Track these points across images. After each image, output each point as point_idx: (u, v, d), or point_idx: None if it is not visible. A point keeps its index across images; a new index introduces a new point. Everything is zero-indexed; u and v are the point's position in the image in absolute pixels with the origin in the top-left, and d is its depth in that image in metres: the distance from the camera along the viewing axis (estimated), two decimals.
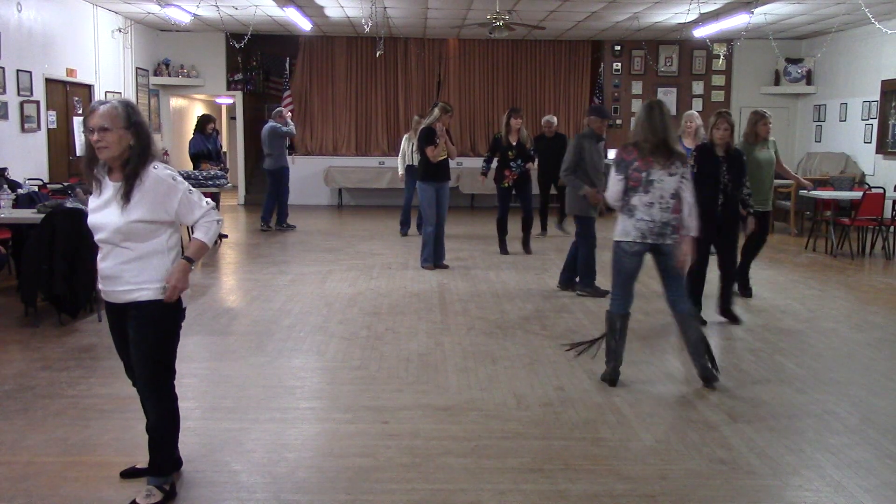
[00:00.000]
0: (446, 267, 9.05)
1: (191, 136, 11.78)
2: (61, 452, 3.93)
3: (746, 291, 7.75)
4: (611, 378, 5.07)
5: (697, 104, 16.04)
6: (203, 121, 11.42)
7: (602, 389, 4.98)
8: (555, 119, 11.46)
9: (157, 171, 3.27)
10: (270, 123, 12.06)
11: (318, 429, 4.34)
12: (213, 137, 11.39)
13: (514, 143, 9.73)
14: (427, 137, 8.80)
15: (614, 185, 5.00)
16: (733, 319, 6.72)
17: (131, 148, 3.23)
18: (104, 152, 3.21)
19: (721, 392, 5.01)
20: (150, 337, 3.33)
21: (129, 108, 3.25)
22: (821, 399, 4.87)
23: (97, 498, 3.47)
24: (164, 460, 3.47)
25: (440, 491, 3.58)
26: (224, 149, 13.20)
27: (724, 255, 6.68)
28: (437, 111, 8.90)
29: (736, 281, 7.47)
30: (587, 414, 4.55)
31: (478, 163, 15.60)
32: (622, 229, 5.00)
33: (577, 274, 7.93)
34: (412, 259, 9.55)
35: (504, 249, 10.09)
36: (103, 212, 3.27)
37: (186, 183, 3.35)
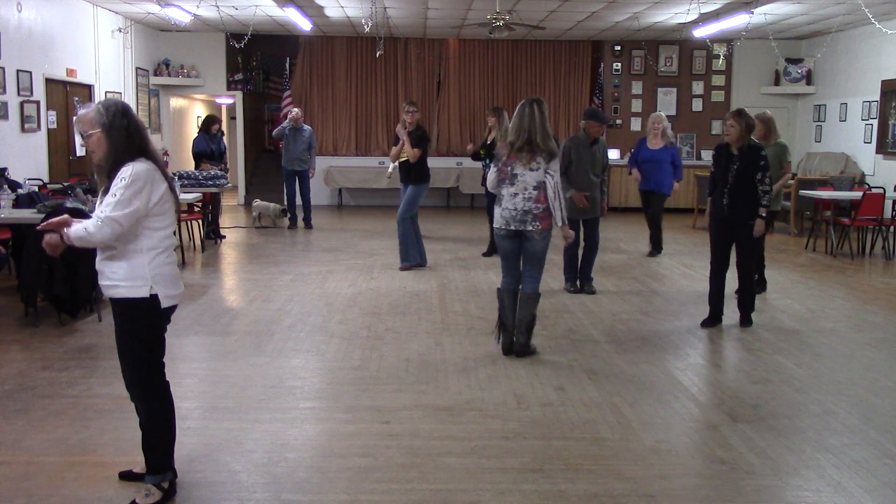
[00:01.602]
0: (417, 266, 9.04)
1: (194, 135, 11.84)
2: (61, 452, 3.93)
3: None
4: (505, 347, 5.69)
5: (697, 104, 16.06)
6: (208, 121, 11.50)
7: (602, 389, 4.98)
8: None
9: (125, 167, 3.24)
10: None
11: (318, 429, 4.34)
12: (217, 138, 11.42)
13: (488, 143, 9.57)
14: (395, 138, 8.89)
15: (490, 175, 5.65)
16: (745, 320, 6.61)
17: (107, 148, 3.29)
18: (94, 155, 3.34)
19: (721, 392, 5.01)
20: (126, 334, 3.38)
21: (101, 110, 3.29)
22: (821, 399, 4.88)
23: (97, 498, 3.47)
24: (158, 458, 3.46)
25: (440, 491, 3.58)
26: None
27: (738, 256, 6.54)
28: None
29: None
30: (587, 414, 4.55)
31: (477, 164, 15.60)
32: (495, 217, 5.64)
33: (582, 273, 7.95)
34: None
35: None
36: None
37: (125, 191, 3.19)
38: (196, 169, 10.84)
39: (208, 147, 11.22)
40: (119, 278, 3.31)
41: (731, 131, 6.34)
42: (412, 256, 9.03)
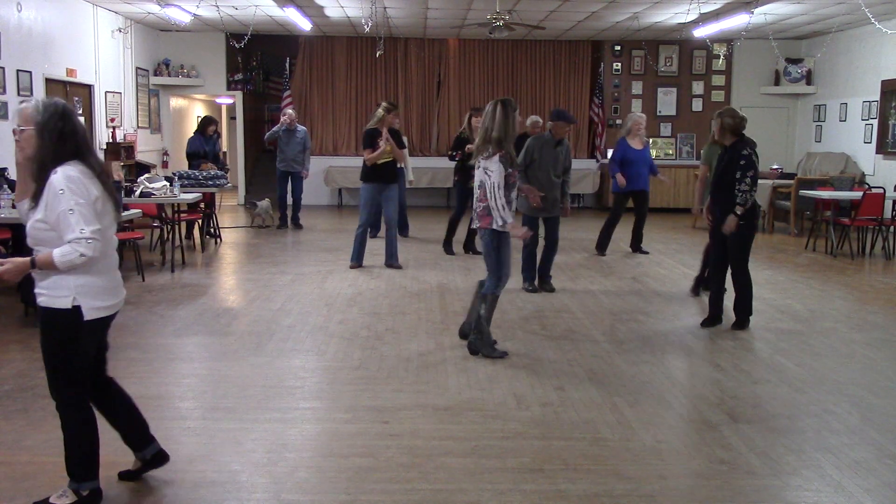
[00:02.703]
0: (399, 267, 8.98)
1: (190, 135, 11.87)
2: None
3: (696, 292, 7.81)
4: (461, 332, 5.97)
5: (697, 104, 16.06)
6: (204, 122, 11.54)
7: (602, 389, 4.98)
8: (540, 119, 11.33)
9: (55, 175, 3.11)
10: None
11: (318, 429, 4.34)
12: (213, 140, 11.43)
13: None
14: (366, 139, 8.76)
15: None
16: (736, 324, 6.54)
17: (36, 148, 3.15)
18: (22, 152, 3.19)
19: (721, 392, 5.01)
20: (45, 342, 3.28)
21: (39, 108, 3.15)
22: (821, 399, 4.88)
23: None
24: (73, 465, 3.40)
25: (440, 491, 3.58)
26: (224, 149, 13.18)
27: (713, 253, 6.55)
28: (380, 111, 8.78)
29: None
30: (587, 414, 4.55)
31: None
32: None
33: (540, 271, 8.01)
34: (412, 260, 9.56)
35: (449, 250, 10.02)
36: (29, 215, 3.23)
37: (74, 201, 3.08)
38: (191, 168, 10.87)
39: (202, 148, 11.25)
40: (45, 286, 3.20)
41: (716, 131, 6.47)
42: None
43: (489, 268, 5.64)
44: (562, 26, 14.07)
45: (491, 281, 5.63)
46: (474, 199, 5.66)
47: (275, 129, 12.47)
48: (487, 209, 5.49)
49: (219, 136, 12.02)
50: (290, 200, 12.56)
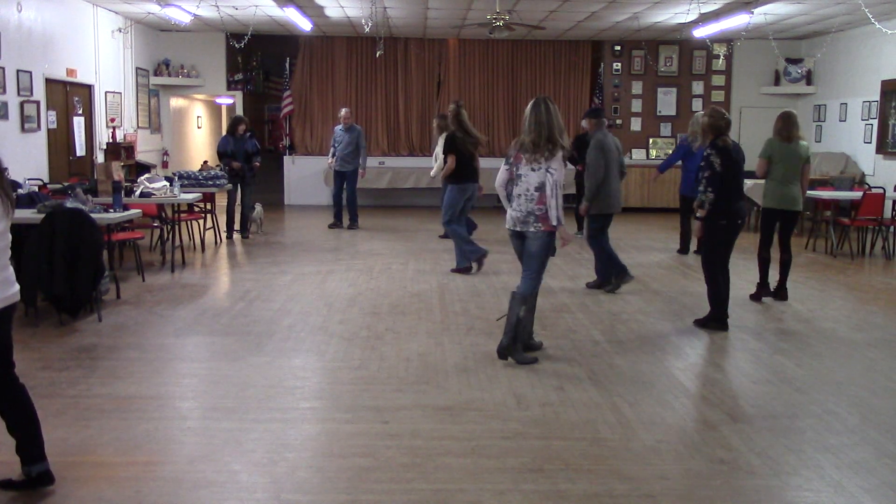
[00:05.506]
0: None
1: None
2: (61, 452, 3.92)
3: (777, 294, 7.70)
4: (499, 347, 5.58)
5: (697, 104, 16.03)
6: (233, 122, 11.46)
7: (602, 389, 4.97)
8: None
9: None
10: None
11: (318, 429, 4.35)
12: (243, 139, 11.32)
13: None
14: (449, 144, 8.79)
15: (500, 174, 5.58)
16: (699, 320, 6.60)
17: None
18: None
19: (721, 392, 5.01)
20: None
21: None
22: (821, 399, 4.88)
23: (97, 498, 3.47)
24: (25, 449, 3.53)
25: (440, 491, 3.58)
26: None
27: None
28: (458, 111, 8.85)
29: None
30: (587, 414, 4.55)
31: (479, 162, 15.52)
32: (507, 216, 5.62)
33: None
34: (412, 259, 9.55)
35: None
36: None
37: None
38: (224, 168, 10.93)
39: (227, 148, 11.16)
40: None
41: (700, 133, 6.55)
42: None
43: (532, 269, 5.46)
44: (562, 26, 14.07)
45: (533, 281, 5.48)
46: (524, 202, 5.40)
47: (338, 128, 12.35)
48: (545, 211, 5.34)
49: (251, 133, 11.78)
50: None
